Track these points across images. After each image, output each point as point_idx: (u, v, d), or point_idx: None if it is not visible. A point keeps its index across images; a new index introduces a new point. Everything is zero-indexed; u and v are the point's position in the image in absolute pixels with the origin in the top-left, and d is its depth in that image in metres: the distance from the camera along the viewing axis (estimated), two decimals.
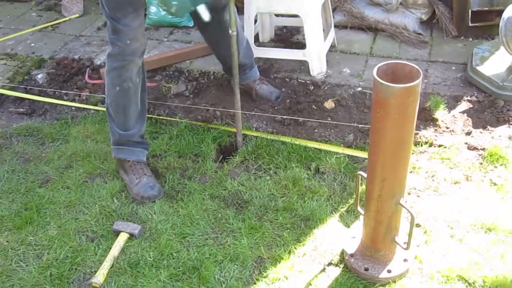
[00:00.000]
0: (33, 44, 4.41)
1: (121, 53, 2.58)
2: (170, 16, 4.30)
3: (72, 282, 2.32)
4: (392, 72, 1.77)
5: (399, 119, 1.72)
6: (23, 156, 3.11)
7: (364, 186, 2.21)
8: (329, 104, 3.20)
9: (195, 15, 2.77)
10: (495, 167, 2.70)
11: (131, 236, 2.48)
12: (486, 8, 3.75)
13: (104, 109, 3.33)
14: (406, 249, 2.08)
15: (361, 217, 2.24)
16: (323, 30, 3.47)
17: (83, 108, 3.48)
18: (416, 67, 1.72)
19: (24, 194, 2.81)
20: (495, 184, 2.61)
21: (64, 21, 4.79)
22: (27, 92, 3.71)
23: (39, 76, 3.86)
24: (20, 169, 2.99)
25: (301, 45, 3.67)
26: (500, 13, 3.54)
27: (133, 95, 2.72)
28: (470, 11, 3.74)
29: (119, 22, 2.51)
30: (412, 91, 1.66)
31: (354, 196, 2.54)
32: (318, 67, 3.47)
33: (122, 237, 2.46)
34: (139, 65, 2.68)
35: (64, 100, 3.58)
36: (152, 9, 4.36)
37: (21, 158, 3.09)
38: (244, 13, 3.42)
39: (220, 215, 2.57)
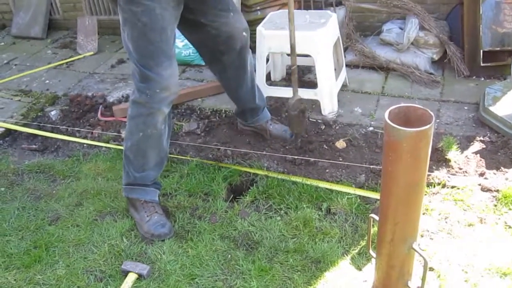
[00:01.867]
0: (47, 81, 4.48)
1: (148, 101, 2.51)
2: (183, 55, 4.35)
3: None
4: (404, 115, 1.75)
5: (411, 163, 1.69)
6: (34, 193, 3.12)
7: (376, 229, 2.18)
8: (341, 144, 3.19)
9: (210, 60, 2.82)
10: (510, 209, 2.66)
11: (140, 276, 2.45)
12: (498, 48, 3.76)
13: (116, 146, 3.36)
14: None
15: (373, 260, 2.20)
16: (335, 69, 3.48)
17: (95, 146, 3.50)
18: (428, 110, 1.70)
19: (33, 232, 2.81)
20: (510, 227, 2.56)
21: (79, 58, 4.88)
22: (40, 129, 3.75)
23: (53, 113, 3.90)
24: (31, 206, 2.99)
25: (313, 84, 3.69)
26: (511, 53, 3.56)
27: (156, 141, 2.67)
28: (481, 51, 3.75)
29: (151, 70, 2.44)
30: (424, 135, 1.64)
31: (366, 238, 2.51)
32: (329, 107, 3.47)
33: (131, 278, 2.43)
34: (165, 113, 2.62)
35: (76, 137, 3.61)
36: None
37: (32, 195, 3.10)
38: (256, 53, 3.45)
39: (230, 256, 2.54)
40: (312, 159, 3.06)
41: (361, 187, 2.89)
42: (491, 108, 3.24)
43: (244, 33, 2.87)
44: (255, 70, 3.41)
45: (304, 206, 2.77)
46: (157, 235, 2.66)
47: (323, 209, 2.76)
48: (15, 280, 2.51)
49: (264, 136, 3.31)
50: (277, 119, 3.42)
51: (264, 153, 3.18)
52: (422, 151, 1.69)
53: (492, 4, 3.68)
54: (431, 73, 3.89)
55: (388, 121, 1.67)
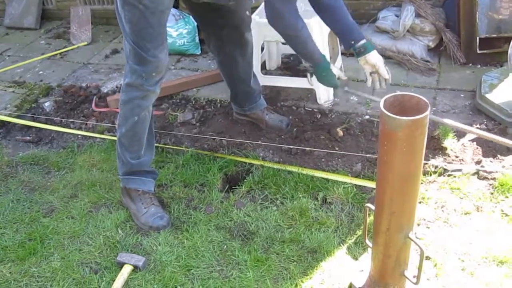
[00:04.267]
0: (41, 72, 4.44)
1: (143, 84, 2.50)
2: (177, 44, 4.32)
3: None
4: (399, 104, 1.73)
5: (407, 152, 1.68)
6: (28, 185, 3.10)
7: (372, 218, 2.17)
8: (337, 132, 3.17)
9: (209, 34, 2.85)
10: (506, 197, 2.65)
11: (135, 268, 2.44)
12: (494, 35, 3.74)
13: (110, 137, 3.34)
14: (416, 283, 2.02)
15: (369, 250, 2.19)
16: (330, 57, 3.45)
17: (89, 137, 3.48)
18: (424, 98, 1.68)
19: (28, 224, 2.79)
20: (506, 215, 2.55)
21: (73, 49, 4.84)
22: (34, 120, 3.72)
23: (47, 104, 3.87)
24: (25, 199, 2.97)
25: None
26: (508, 39, 3.53)
27: (148, 124, 2.69)
28: (478, 38, 3.72)
29: (148, 52, 2.43)
30: (420, 123, 1.62)
31: (362, 227, 2.50)
32: (325, 95, 3.45)
33: (126, 269, 2.42)
34: (157, 94, 2.63)
35: (70, 128, 3.58)
36: None
37: (26, 187, 3.07)
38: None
39: (225, 246, 2.53)
40: (308, 149, 3.04)
41: (357, 176, 2.88)
42: (488, 96, 3.22)
43: (246, 12, 2.87)
44: None
45: (300, 195, 2.76)
46: (155, 227, 2.65)
47: (319, 199, 2.74)
48: (10, 273, 2.50)
49: (259, 126, 3.28)
50: (272, 108, 3.39)
51: (260, 142, 3.16)
52: (418, 140, 1.68)
53: None
54: (427, 61, 3.87)
55: (384, 110, 1.65)
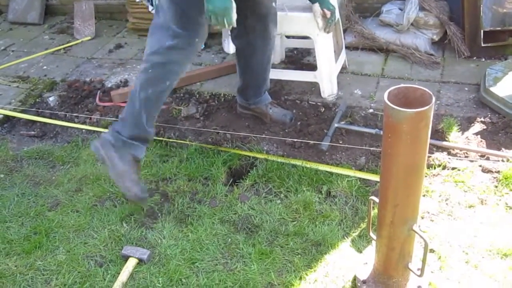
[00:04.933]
0: (45, 67, 4.45)
1: (185, 48, 2.58)
2: None
3: None
4: (404, 96, 1.73)
5: (411, 144, 1.68)
6: (33, 179, 3.11)
7: (376, 211, 2.17)
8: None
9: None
10: (510, 190, 2.65)
11: (140, 261, 2.45)
12: (499, 28, 3.72)
13: None
14: (420, 276, 2.03)
15: (374, 243, 2.19)
16: (334, 51, 3.45)
17: (94, 131, 3.48)
18: (428, 91, 1.68)
19: (33, 218, 2.80)
20: (510, 208, 2.56)
21: (76, 43, 4.84)
22: (38, 115, 3.72)
23: (51, 98, 3.87)
24: (30, 193, 2.98)
25: (312, 67, 3.66)
26: None
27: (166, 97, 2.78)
28: (482, 31, 3.71)
29: (193, 19, 2.54)
30: (424, 115, 1.62)
31: (366, 220, 2.50)
32: (329, 89, 3.45)
33: (131, 263, 2.43)
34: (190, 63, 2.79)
35: (75, 122, 3.59)
36: None
37: (31, 181, 3.08)
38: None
39: (230, 240, 2.53)
40: (311, 142, 3.04)
41: (361, 169, 2.88)
42: (492, 89, 3.21)
43: (272, 3, 2.89)
44: None
45: (304, 189, 2.76)
46: (140, 198, 2.68)
47: (323, 192, 2.75)
48: (15, 266, 2.51)
49: (263, 120, 3.28)
50: (276, 102, 3.39)
51: (264, 136, 3.16)
52: (422, 132, 1.68)
53: None
54: (431, 54, 3.86)
55: (388, 102, 1.65)
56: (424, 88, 1.71)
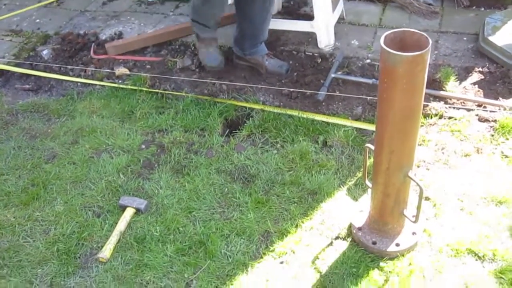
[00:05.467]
0: (38, 20, 4.37)
1: None
2: None
3: (79, 257, 2.32)
4: (400, 41, 1.71)
5: (407, 89, 1.67)
6: (29, 132, 3.10)
7: (372, 159, 2.17)
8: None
9: None
10: (507, 139, 2.65)
11: (138, 211, 2.47)
12: None
13: (110, 84, 3.36)
14: (415, 222, 2.05)
15: (369, 191, 2.20)
16: (331, 1, 3.39)
17: (89, 84, 3.45)
18: (425, 34, 1.66)
19: (30, 170, 2.81)
20: (506, 157, 2.56)
21: None
22: (32, 69, 3.68)
23: (45, 52, 3.82)
24: (27, 145, 2.98)
25: (309, 18, 3.60)
26: None
27: None
28: None
29: None
30: (420, 59, 1.60)
31: (362, 169, 2.51)
32: (326, 39, 3.40)
33: (129, 212, 2.45)
34: None
35: (69, 76, 3.55)
36: None
37: (27, 135, 3.08)
38: None
39: (226, 189, 2.55)
40: (308, 92, 3.03)
41: (357, 119, 2.87)
42: (491, 38, 3.17)
43: None
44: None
45: (300, 139, 2.76)
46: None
47: (319, 142, 2.75)
48: (14, 217, 2.53)
49: (259, 71, 3.25)
50: (273, 53, 3.35)
51: (260, 87, 3.14)
52: (419, 77, 1.66)
53: None
54: (430, 4, 3.79)
55: (384, 46, 1.63)
56: (421, 32, 1.68)
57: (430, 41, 1.63)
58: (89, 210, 2.53)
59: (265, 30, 3.21)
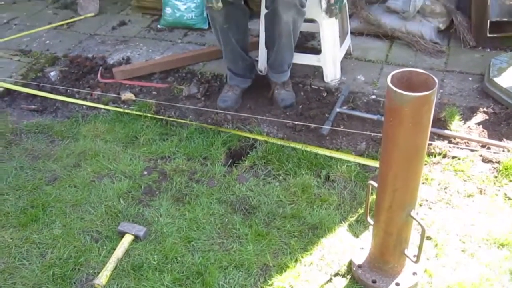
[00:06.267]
0: (47, 42, 4.42)
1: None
2: (185, 18, 4.29)
3: (75, 283, 2.29)
4: (407, 80, 1.72)
5: (412, 128, 1.67)
6: (32, 153, 3.10)
7: (374, 196, 2.16)
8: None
9: None
10: (510, 181, 2.64)
11: (136, 238, 2.45)
12: (505, 19, 3.69)
13: (115, 109, 3.37)
14: (416, 262, 2.03)
15: (371, 228, 2.18)
16: (339, 36, 3.42)
17: (94, 107, 3.47)
18: (432, 75, 1.67)
19: (31, 191, 2.79)
20: (509, 199, 2.55)
21: (80, 19, 4.80)
22: (39, 89, 3.70)
23: (52, 73, 3.85)
24: (29, 166, 2.97)
25: (316, 51, 3.64)
26: None
27: (231, 39, 3.18)
28: (488, 21, 3.68)
29: None
30: (427, 100, 1.61)
31: (364, 205, 2.49)
32: (332, 73, 3.42)
33: (127, 239, 2.43)
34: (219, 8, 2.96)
35: (75, 98, 3.57)
36: (168, 10, 4.34)
37: (30, 155, 3.07)
38: (260, 17, 3.38)
39: (227, 220, 2.53)
40: (312, 126, 3.03)
41: (361, 155, 2.87)
42: (496, 79, 3.19)
43: None
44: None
45: (303, 172, 2.75)
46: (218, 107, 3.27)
47: (322, 176, 2.74)
48: (11, 238, 2.51)
49: (265, 102, 3.32)
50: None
51: (265, 118, 3.14)
52: (424, 117, 1.66)
53: None
54: (436, 43, 3.83)
55: (391, 85, 1.64)
56: (428, 73, 1.69)
57: (437, 82, 1.63)
58: (88, 235, 2.51)
59: (280, 60, 3.23)
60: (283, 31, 3.02)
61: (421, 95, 1.58)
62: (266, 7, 3.08)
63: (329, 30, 3.27)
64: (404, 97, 1.60)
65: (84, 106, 3.50)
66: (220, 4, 2.90)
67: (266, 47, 3.31)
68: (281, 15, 2.93)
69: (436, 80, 1.65)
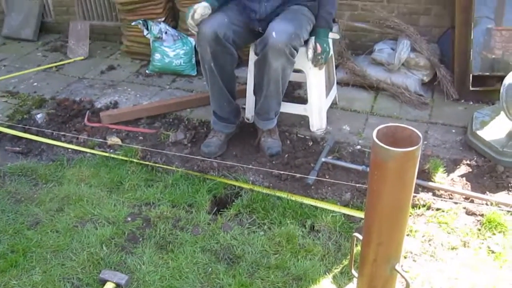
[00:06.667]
0: (36, 84, 4.44)
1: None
2: (174, 64, 4.34)
3: None
4: (392, 135, 1.74)
5: (397, 183, 1.68)
6: (14, 196, 3.06)
7: (359, 248, 2.16)
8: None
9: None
10: (494, 234, 2.65)
11: (118, 286, 2.40)
12: (487, 73, 3.79)
13: (101, 153, 3.35)
14: None
15: (355, 280, 2.17)
16: (326, 86, 3.48)
17: (80, 151, 3.46)
18: (417, 131, 1.69)
19: (12, 236, 2.75)
20: (493, 252, 2.56)
21: (69, 62, 4.84)
22: (25, 131, 3.69)
23: (39, 116, 3.85)
24: (11, 210, 2.94)
25: (302, 100, 3.69)
26: (501, 78, 3.57)
27: (218, 80, 3.21)
28: (471, 75, 3.77)
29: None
30: (411, 155, 1.63)
31: (349, 257, 2.48)
32: (318, 123, 3.47)
33: (108, 287, 2.38)
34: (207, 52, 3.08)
35: (61, 141, 3.56)
36: (157, 56, 4.40)
37: (12, 198, 3.04)
38: (249, 66, 3.44)
39: (210, 269, 2.50)
40: (298, 175, 3.04)
41: (346, 205, 2.88)
42: (479, 132, 3.25)
43: (273, 33, 2.94)
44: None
45: (288, 222, 2.75)
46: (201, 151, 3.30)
47: (307, 226, 2.74)
48: None
49: (251, 149, 3.32)
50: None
51: (250, 166, 3.15)
52: (409, 172, 1.68)
53: (483, 30, 3.71)
54: (420, 95, 3.90)
55: (376, 140, 1.66)
56: (413, 129, 1.71)
57: (421, 138, 1.66)
58: (68, 282, 2.46)
59: (266, 108, 3.27)
60: (272, 78, 3.06)
61: (406, 150, 1.60)
62: (256, 54, 3.13)
63: (315, 80, 3.32)
64: (389, 152, 1.61)
65: (69, 150, 3.49)
66: (196, 29, 3.04)
67: (254, 93, 3.34)
68: (270, 62, 2.98)
69: (421, 135, 1.67)
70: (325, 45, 3.17)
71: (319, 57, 3.17)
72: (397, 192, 1.71)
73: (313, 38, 3.15)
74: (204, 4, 3.06)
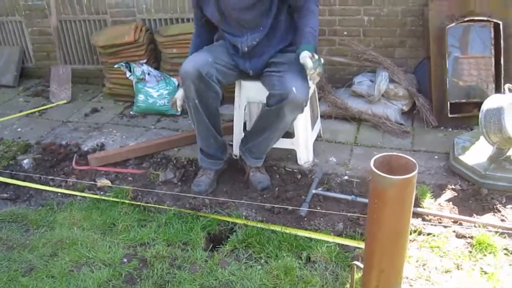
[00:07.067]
0: (19, 129, 4.43)
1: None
2: (158, 104, 4.39)
3: None
4: (388, 164, 1.81)
5: (397, 210, 1.74)
6: (6, 243, 3.03)
7: (358, 275, 2.20)
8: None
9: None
10: (484, 255, 2.72)
11: None
12: (464, 100, 3.93)
13: (91, 195, 3.36)
14: None
15: None
16: (310, 120, 3.56)
17: (70, 194, 3.45)
18: (411, 159, 1.77)
19: (6, 283, 2.71)
20: (485, 273, 2.62)
21: (51, 107, 4.85)
22: (12, 177, 3.68)
23: (25, 161, 3.84)
24: (3, 257, 2.90)
25: (288, 134, 3.75)
26: (477, 105, 3.72)
27: (203, 118, 3.26)
28: (448, 103, 3.90)
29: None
30: (409, 182, 1.70)
31: (347, 286, 2.52)
32: (305, 156, 3.53)
33: None
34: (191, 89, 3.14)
35: (50, 186, 3.56)
36: (140, 97, 4.44)
37: (4, 245, 3.01)
38: (235, 103, 3.51)
39: None
40: (290, 208, 3.09)
41: (339, 235, 2.92)
42: (461, 157, 3.35)
43: (293, 88, 3.00)
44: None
45: (284, 254, 2.78)
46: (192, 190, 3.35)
47: (303, 258, 2.77)
48: None
49: (241, 185, 3.36)
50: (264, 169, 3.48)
51: (242, 201, 3.19)
52: (407, 198, 1.75)
53: (452, 59, 3.88)
54: (401, 124, 4.01)
55: (374, 169, 1.73)
56: (408, 157, 1.79)
57: (417, 165, 1.73)
58: None
59: (260, 150, 3.36)
60: (280, 127, 3.17)
61: (404, 178, 1.67)
62: (269, 105, 3.10)
63: (301, 114, 3.39)
64: (388, 180, 1.68)
65: (59, 194, 3.48)
66: (180, 109, 3.30)
67: (250, 133, 3.37)
68: (286, 115, 3.07)
69: (416, 162, 1.75)
70: (316, 54, 3.09)
71: (316, 63, 3.03)
72: (397, 219, 1.78)
73: (305, 51, 3.02)
74: (182, 92, 3.27)
